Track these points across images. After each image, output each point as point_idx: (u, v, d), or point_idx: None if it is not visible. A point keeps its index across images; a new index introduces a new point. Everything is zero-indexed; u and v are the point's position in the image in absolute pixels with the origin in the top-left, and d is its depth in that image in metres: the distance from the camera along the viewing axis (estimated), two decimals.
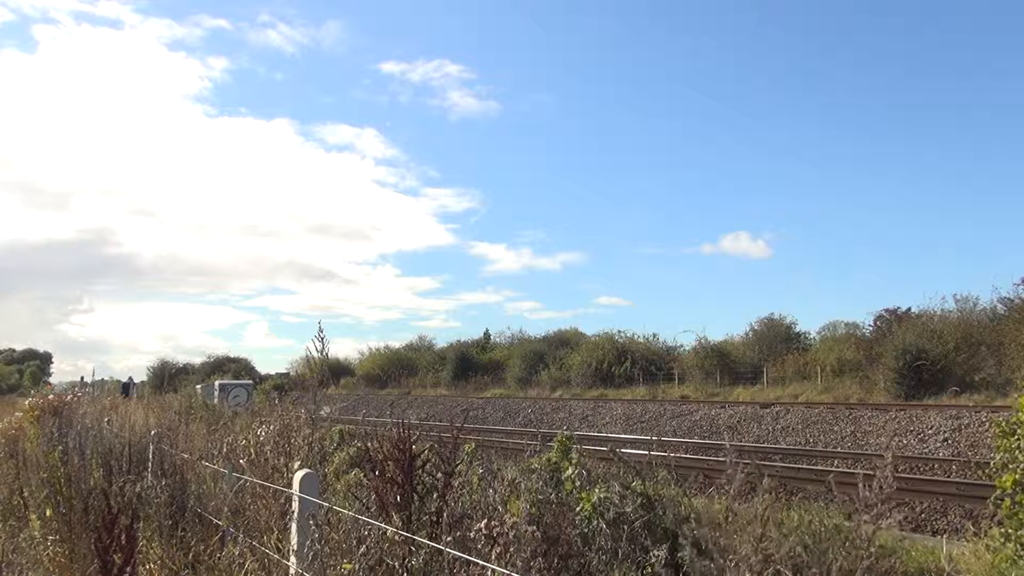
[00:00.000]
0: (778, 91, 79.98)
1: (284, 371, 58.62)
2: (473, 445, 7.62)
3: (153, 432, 7.18)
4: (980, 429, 16.79)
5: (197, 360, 61.70)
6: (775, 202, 77.59)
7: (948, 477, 13.00)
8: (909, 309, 29.41)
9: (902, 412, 20.04)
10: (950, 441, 16.79)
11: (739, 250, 76.79)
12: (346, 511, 3.58)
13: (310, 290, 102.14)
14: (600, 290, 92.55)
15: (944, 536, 9.15)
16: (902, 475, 12.29)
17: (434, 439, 3.81)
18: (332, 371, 48.94)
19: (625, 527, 3.85)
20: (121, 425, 8.77)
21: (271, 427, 5.36)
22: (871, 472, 2.37)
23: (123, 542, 2.66)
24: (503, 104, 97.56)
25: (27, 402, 12.89)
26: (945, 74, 71.68)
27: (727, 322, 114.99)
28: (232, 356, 62.50)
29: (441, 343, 52.54)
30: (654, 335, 39.14)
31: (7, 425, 11.01)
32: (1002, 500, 5.08)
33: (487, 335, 51.09)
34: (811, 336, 34.18)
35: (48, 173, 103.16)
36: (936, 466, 14.52)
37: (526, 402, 33.15)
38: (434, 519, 3.43)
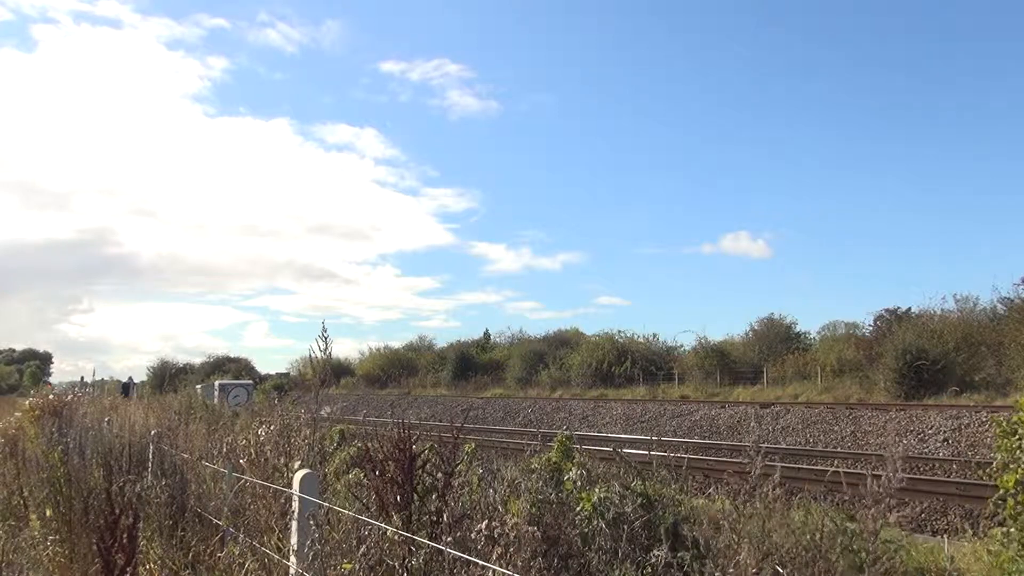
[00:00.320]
0: (778, 91, 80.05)
1: (284, 371, 58.73)
2: (473, 445, 7.63)
3: (153, 432, 7.18)
4: (980, 429, 16.78)
5: (197, 360, 61.74)
6: (775, 202, 77.66)
7: (948, 477, 12.99)
8: (909, 309, 29.45)
9: (902, 412, 20.04)
10: (950, 441, 16.78)
11: (739, 250, 76.83)
12: (346, 511, 3.58)
13: (310, 290, 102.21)
14: (600, 290, 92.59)
15: (944, 536, 9.15)
16: (902, 475, 12.27)
17: (434, 439, 3.80)
18: (332, 371, 48.66)
19: (625, 527, 3.85)
20: (121, 425, 8.77)
21: (271, 427, 5.35)
22: (873, 472, 2.37)
23: (125, 542, 2.66)
24: (503, 104, 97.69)
25: (27, 402, 12.90)
26: (945, 74, 71.76)
27: (727, 322, 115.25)
28: (232, 356, 62.56)
29: (441, 343, 52.64)
30: (654, 335, 39.21)
31: (7, 425, 11.01)
32: (1004, 500, 5.07)
33: (487, 335, 51.13)
34: (811, 336, 34.28)
35: (48, 173, 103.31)
36: (936, 466, 14.51)
37: (526, 402, 33.15)
38: (434, 519, 3.43)
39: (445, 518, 3.34)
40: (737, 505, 2.85)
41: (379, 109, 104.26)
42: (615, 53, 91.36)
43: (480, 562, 2.77)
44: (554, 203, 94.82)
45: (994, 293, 27.60)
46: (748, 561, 2.58)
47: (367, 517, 3.39)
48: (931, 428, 17.95)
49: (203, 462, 5.98)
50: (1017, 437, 5.20)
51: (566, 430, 6.90)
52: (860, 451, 16.86)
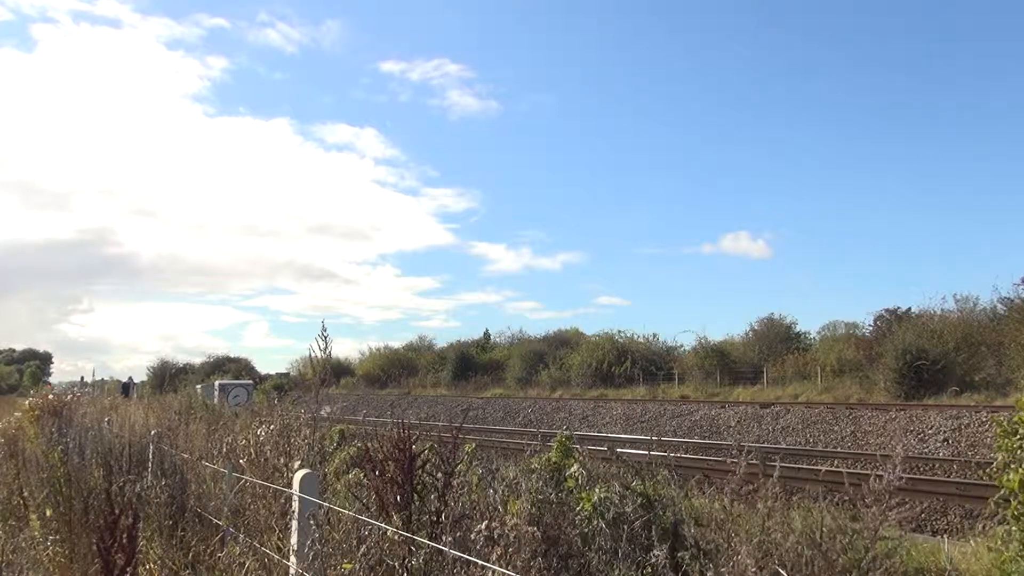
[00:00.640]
0: (778, 91, 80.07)
1: (284, 371, 58.71)
2: (473, 445, 7.63)
3: (153, 432, 7.18)
4: (980, 429, 16.78)
5: (197, 360, 61.70)
6: (775, 202, 77.70)
7: (948, 477, 12.99)
8: (909, 309, 29.46)
9: (902, 412, 20.03)
10: (950, 441, 16.78)
11: (739, 250, 76.85)
12: (346, 511, 3.58)
13: (310, 290, 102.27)
14: (600, 290, 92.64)
15: (944, 536, 9.15)
16: (902, 475, 12.27)
17: (434, 439, 3.80)
18: (332, 371, 48.64)
19: (625, 527, 3.85)
20: (121, 425, 8.77)
21: (271, 427, 5.35)
22: (875, 472, 2.37)
23: (124, 542, 2.66)
24: (503, 104, 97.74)
25: (27, 402, 12.90)
26: (945, 74, 71.76)
27: (727, 322, 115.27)
28: (232, 356, 62.53)
29: (441, 343, 52.63)
30: (654, 335, 39.21)
31: (7, 425, 11.00)
32: (1007, 500, 5.06)
33: (487, 335, 51.13)
34: (811, 336, 34.28)
35: (47, 173, 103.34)
36: (936, 466, 14.51)
37: (526, 402, 33.14)
38: (434, 519, 3.43)
39: (445, 518, 3.34)
40: (735, 504, 2.85)
41: (379, 109, 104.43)
42: (615, 53, 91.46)
43: (480, 562, 2.77)
44: (554, 203, 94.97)
45: (994, 293, 27.63)
46: (748, 561, 2.58)
47: (367, 517, 3.39)
48: (931, 428, 17.94)
49: (203, 462, 5.98)
50: (1018, 437, 5.19)
51: (566, 430, 6.90)
52: (860, 451, 16.86)
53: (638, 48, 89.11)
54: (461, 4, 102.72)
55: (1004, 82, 65.16)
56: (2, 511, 7.00)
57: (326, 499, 3.91)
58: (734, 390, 29.78)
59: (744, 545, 2.69)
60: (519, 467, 5.61)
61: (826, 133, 76.85)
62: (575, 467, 4.93)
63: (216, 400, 23.70)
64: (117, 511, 2.75)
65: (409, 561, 3.06)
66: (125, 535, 2.64)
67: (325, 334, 4.64)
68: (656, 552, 3.45)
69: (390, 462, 3.56)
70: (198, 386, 31.42)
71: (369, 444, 4.05)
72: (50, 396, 13.29)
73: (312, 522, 3.32)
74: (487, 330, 51.63)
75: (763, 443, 19.32)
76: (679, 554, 3.53)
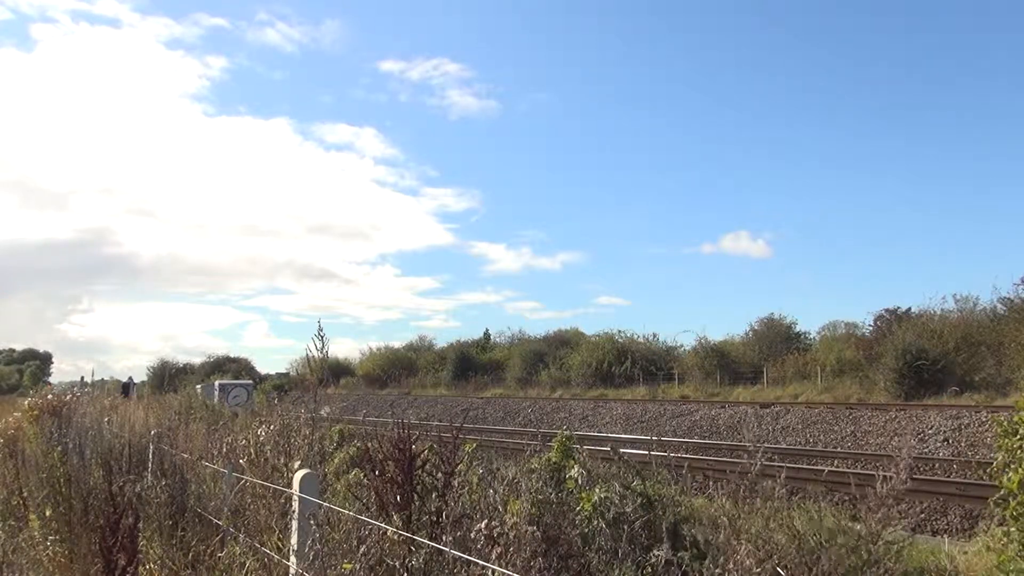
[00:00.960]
0: (778, 91, 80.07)
1: (284, 371, 58.71)
2: (473, 445, 7.62)
3: (153, 432, 7.18)
4: (980, 429, 16.78)
5: (197, 360, 61.74)
6: (775, 202, 77.73)
7: (948, 477, 12.99)
8: (909, 309, 29.45)
9: (902, 412, 20.03)
10: (950, 441, 16.78)
11: (739, 250, 76.88)
12: (346, 511, 3.58)
13: (310, 290, 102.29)
14: (600, 290, 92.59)
15: (944, 536, 9.15)
16: (909, 477, 12.28)
17: (434, 439, 3.80)
18: (332, 371, 49.01)
19: (625, 527, 3.85)
20: (121, 425, 8.77)
21: (271, 427, 5.35)
22: (873, 473, 2.37)
23: (126, 542, 2.66)
24: (503, 103, 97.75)
25: (26, 402, 12.89)
26: (945, 74, 71.77)
27: (727, 322, 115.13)
28: (232, 356, 62.60)
29: (441, 343, 52.69)
30: (654, 335, 39.21)
31: (7, 425, 11.00)
32: (1006, 500, 5.06)
33: (487, 335, 51.15)
34: (811, 336, 34.26)
35: (47, 173, 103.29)
36: (936, 466, 14.51)
37: (526, 402, 33.14)
38: (434, 519, 3.43)
39: (445, 518, 3.34)
40: (737, 504, 2.85)
41: (379, 109, 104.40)
42: (615, 53, 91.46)
43: (480, 562, 2.77)
44: (554, 203, 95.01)
45: (994, 293, 27.58)
46: (748, 561, 2.58)
47: (367, 517, 3.39)
48: (931, 428, 17.94)
49: (203, 462, 5.98)
50: (1018, 437, 5.19)
51: (566, 430, 6.90)
52: (860, 451, 16.86)
53: (638, 48, 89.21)
54: (461, 4, 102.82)
55: (1004, 82, 65.21)
56: (2, 511, 7.00)
57: (326, 499, 3.91)
58: (734, 390, 29.78)
59: (744, 545, 2.69)
60: (519, 467, 5.61)
61: (826, 133, 76.96)
62: (575, 469, 4.93)
63: (216, 400, 23.71)
64: (118, 511, 2.75)
65: (409, 561, 3.06)
66: (126, 535, 2.64)
67: (322, 334, 4.64)
68: (656, 552, 3.45)
69: (390, 462, 3.56)
70: (198, 386, 31.43)
71: (369, 444, 4.05)
72: (50, 396, 13.28)
73: (312, 522, 3.32)
74: (487, 330, 51.75)
75: (763, 443, 19.31)
76: (679, 554, 3.53)
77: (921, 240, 68.73)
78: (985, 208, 68.47)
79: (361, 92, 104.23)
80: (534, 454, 6.43)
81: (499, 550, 2.81)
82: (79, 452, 6.57)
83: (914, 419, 19.02)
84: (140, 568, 4.52)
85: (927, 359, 23.74)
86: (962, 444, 16.39)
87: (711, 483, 11.78)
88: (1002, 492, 5.12)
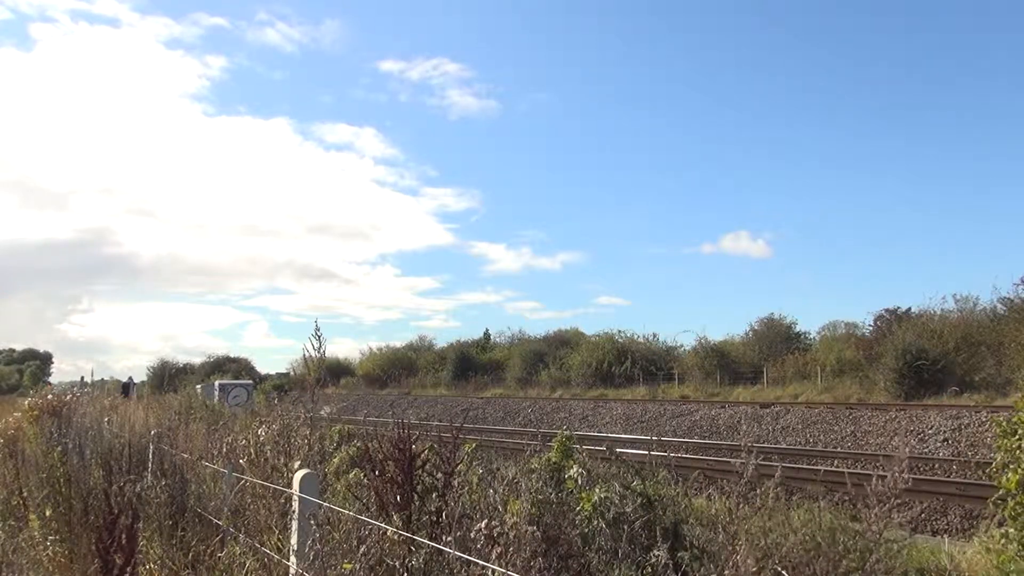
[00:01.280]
0: (778, 91, 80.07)
1: (284, 371, 58.70)
2: (473, 445, 7.61)
3: (153, 432, 7.18)
4: (980, 429, 16.78)
5: (197, 360, 61.69)
6: (775, 202, 77.74)
7: (948, 477, 13.00)
8: (909, 309, 29.46)
9: (902, 412, 20.04)
10: (950, 441, 16.78)
11: (739, 250, 76.88)
12: (346, 511, 3.58)
13: (310, 290, 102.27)
14: (600, 290, 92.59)
15: (944, 536, 9.16)
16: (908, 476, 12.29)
17: (434, 439, 3.80)
18: (332, 371, 49.03)
19: (625, 527, 3.85)
20: (121, 425, 8.77)
21: (271, 427, 5.35)
22: (872, 472, 2.37)
23: (124, 542, 2.66)
24: (502, 103, 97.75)
25: (26, 402, 12.88)
26: (945, 74, 71.77)
27: (727, 322, 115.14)
28: (232, 356, 62.56)
29: (441, 343, 52.69)
30: (654, 335, 39.21)
31: (7, 425, 10.99)
32: (1004, 500, 5.07)
33: (487, 335, 51.14)
34: (811, 336, 34.27)
35: (46, 172, 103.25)
36: (936, 466, 14.51)
37: (526, 402, 33.15)
38: (434, 519, 3.43)
39: (445, 518, 3.34)
40: (737, 504, 2.85)
41: (378, 108, 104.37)
42: (615, 53, 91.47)
43: (480, 562, 2.77)
44: (554, 203, 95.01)
45: (994, 293, 27.58)
46: (748, 561, 2.58)
47: (367, 517, 3.39)
48: (931, 428, 17.95)
49: (203, 462, 5.98)
50: (1017, 437, 5.19)
51: (566, 430, 6.90)
52: (860, 451, 16.86)
53: (638, 48, 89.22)
54: (461, 4, 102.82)
55: (1004, 82, 65.21)
56: (2, 511, 7.00)
57: (326, 499, 3.91)
58: (734, 390, 29.79)
59: (744, 545, 2.69)
60: (519, 467, 5.61)
61: (826, 133, 76.95)
62: (575, 469, 4.93)
63: (216, 400, 23.71)
64: (117, 511, 2.75)
65: (409, 561, 3.06)
66: (124, 535, 2.64)
67: (319, 333, 4.64)
68: (656, 552, 3.45)
69: (390, 462, 3.57)
70: (198, 386, 31.42)
71: (369, 444, 4.04)
72: (50, 396, 13.27)
73: (312, 522, 3.32)
74: (487, 330, 51.75)
75: (763, 443, 19.32)
76: (679, 554, 3.53)
77: (921, 240, 68.81)
78: (985, 208, 68.54)
79: (361, 92, 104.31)
80: (534, 454, 6.43)
81: (499, 550, 2.81)
82: (79, 452, 6.57)
83: (914, 419, 19.02)
84: (140, 568, 4.52)
85: (927, 359, 23.74)
86: (962, 444, 16.39)
87: (711, 483, 11.80)
88: (1000, 492, 5.13)
